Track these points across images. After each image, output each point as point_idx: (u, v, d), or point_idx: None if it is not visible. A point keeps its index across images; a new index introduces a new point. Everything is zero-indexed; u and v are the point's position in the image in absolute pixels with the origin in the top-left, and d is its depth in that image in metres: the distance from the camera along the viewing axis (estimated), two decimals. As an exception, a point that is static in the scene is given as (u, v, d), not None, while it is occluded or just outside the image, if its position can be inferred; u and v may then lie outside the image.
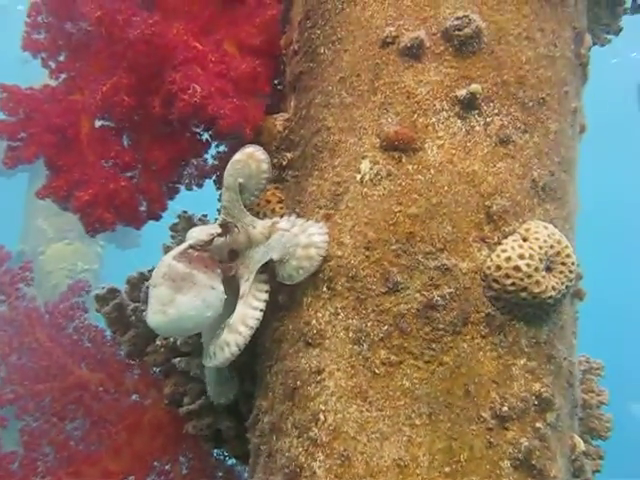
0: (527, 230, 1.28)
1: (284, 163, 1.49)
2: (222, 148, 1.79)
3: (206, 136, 1.67)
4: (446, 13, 1.35)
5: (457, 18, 1.33)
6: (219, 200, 1.73)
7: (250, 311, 1.35)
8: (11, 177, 8.60)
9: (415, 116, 1.33)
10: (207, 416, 1.62)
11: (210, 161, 1.82)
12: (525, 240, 1.27)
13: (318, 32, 1.47)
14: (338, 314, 1.31)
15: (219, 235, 1.40)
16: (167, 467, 1.76)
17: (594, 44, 1.74)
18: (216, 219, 1.52)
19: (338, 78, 1.41)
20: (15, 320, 1.85)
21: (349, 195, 1.35)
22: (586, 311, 1.59)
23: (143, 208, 1.56)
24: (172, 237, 1.89)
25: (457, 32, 1.32)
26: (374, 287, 1.29)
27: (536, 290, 1.24)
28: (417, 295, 1.27)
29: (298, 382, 1.33)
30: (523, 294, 1.24)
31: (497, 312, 1.27)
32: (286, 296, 1.39)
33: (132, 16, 1.44)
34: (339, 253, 1.33)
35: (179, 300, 1.27)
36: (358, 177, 1.34)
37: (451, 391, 1.24)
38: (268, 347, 1.44)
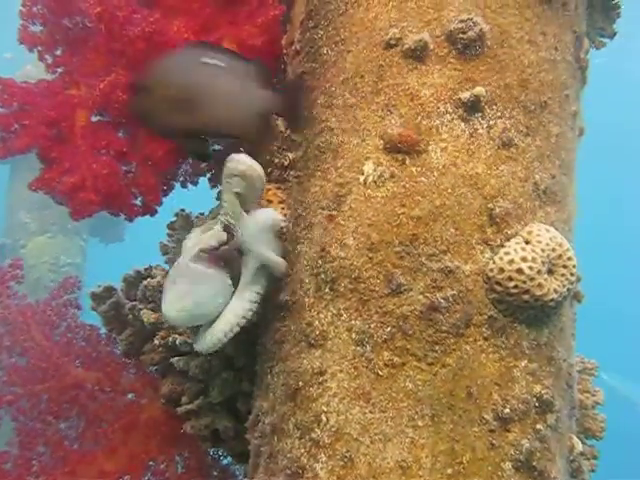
0: (529, 233, 1.29)
1: (286, 163, 1.49)
2: (217, 147, 1.78)
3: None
4: (450, 16, 1.35)
5: (461, 21, 1.33)
6: (217, 199, 1.73)
7: (240, 303, 1.40)
8: (-9, 171, 8.51)
9: (419, 118, 1.33)
10: (205, 416, 1.62)
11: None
12: (527, 243, 1.28)
13: (321, 33, 1.47)
14: (341, 315, 1.31)
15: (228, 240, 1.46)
16: (163, 466, 1.75)
17: (589, 47, 1.75)
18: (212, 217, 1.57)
19: (341, 79, 1.41)
20: (7, 318, 1.83)
21: (352, 196, 1.35)
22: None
23: (138, 202, 1.55)
24: (169, 235, 1.88)
25: (461, 35, 1.33)
26: (377, 289, 1.29)
27: (538, 293, 1.25)
28: (420, 297, 1.27)
29: (300, 383, 1.33)
30: (525, 297, 1.25)
31: (499, 314, 1.28)
32: (288, 296, 1.39)
33: (132, 13, 1.43)
34: (342, 254, 1.33)
35: (195, 291, 1.38)
36: (361, 179, 1.34)
37: (454, 393, 1.25)
38: (269, 348, 1.44)
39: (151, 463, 1.74)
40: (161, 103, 1.37)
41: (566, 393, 1.36)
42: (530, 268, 1.25)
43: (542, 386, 1.29)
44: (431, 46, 1.34)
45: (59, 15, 1.52)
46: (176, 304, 1.38)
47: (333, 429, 1.26)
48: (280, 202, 1.48)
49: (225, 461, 1.86)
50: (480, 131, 1.33)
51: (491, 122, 1.33)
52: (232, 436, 1.63)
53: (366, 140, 1.36)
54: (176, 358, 1.62)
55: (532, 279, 1.25)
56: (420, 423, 1.23)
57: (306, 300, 1.36)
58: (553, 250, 1.28)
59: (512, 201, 1.31)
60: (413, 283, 1.28)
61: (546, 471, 1.25)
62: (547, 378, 1.31)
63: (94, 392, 1.78)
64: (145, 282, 1.69)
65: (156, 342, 1.66)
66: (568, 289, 1.30)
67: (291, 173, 1.48)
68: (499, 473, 1.22)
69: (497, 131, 1.33)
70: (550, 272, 1.29)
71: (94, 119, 1.55)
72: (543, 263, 1.26)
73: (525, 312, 1.28)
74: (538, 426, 1.27)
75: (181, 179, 1.79)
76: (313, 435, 1.28)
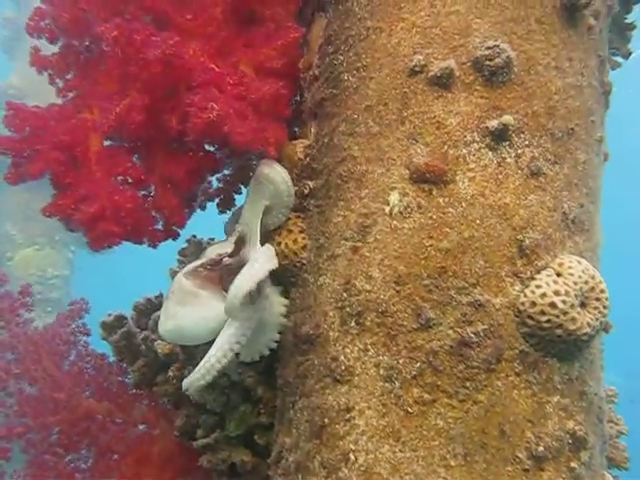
0: (560, 265, 1.26)
1: (306, 192, 1.45)
2: (227, 171, 1.75)
3: (221, 154, 1.62)
4: (476, 42, 1.32)
5: (488, 47, 1.30)
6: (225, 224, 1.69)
7: (222, 341, 1.38)
8: (-23, 184, 8.41)
9: (445, 147, 1.30)
10: (222, 450, 1.57)
11: (215, 184, 1.78)
12: (559, 275, 1.25)
13: (341, 58, 1.44)
14: (368, 350, 1.28)
15: (232, 253, 1.49)
16: (177, 500, 1.71)
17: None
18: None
19: (364, 106, 1.38)
20: (16, 347, 1.78)
21: (377, 227, 1.31)
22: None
23: (160, 226, 1.51)
24: (179, 262, 1.84)
25: (488, 62, 1.30)
26: (405, 323, 1.26)
27: (572, 327, 1.22)
28: (450, 332, 1.24)
29: (326, 420, 1.29)
30: (558, 331, 1.22)
31: (531, 349, 1.25)
32: (311, 329, 1.36)
33: (150, 36, 1.39)
34: (368, 287, 1.30)
35: (180, 314, 1.39)
36: (387, 209, 1.31)
37: (486, 431, 1.21)
38: (291, 382, 1.40)
39: (165, 496, 1.70)
40: None
41: (597, 428, 1.33)
42: (563, 302, 1.22)
43: (575, 422, 1.26)
44: (457, 73, 1.31)
45: (72, 36, 1.49)
46: (165, 323, 1.41)
47: (362, 468, 1.22)
48: (301, 231, 1.44)
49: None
50: (508, 160, 1.30)
51: (519, 151, 1.30)
52: (249, 470, 1.59)
53: (391, 169, 1.32)
54: (192, 390, 1.58)
55: (565, 313, 1.22)
56: (452, 462, 1.20)
57: (331, 334, 1.33)
58: (586, 283, 1.25)
59: (541, 232, 1.28)
60: (443, 317, 1.24)
61: (581, 511, 1.22)
62: (579, 413, 1.28)
63: (105, 423, 1.73)
64: (159, 313, 1.64)
65: (170, 374, 1.62)
66: (601, 322, 1.27)
67: (312, 202, 1.45)
68: (534, 514, 1.19)
69: (525, 160, 1.30)
70: (583, 305, 1.26)
71: (107, 143, 1.52)
72: (576, 296, 1.23)
73: (557, 346, 1.25)
74: (572, 464, 1.23)
75: (201, 199, 1.74)
76: (340, 474, 1.24)
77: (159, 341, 1.64)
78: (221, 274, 1.48)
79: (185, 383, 1.41)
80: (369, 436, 1.24)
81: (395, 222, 1.30)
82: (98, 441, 1.70)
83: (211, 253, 1.52)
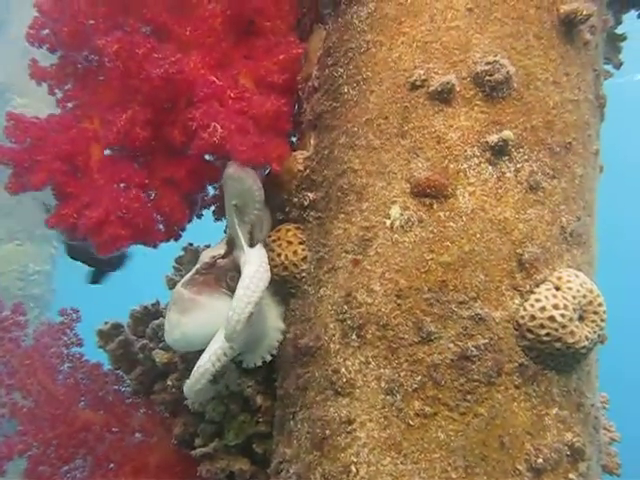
0: (559, 278, 1.28)
1: (305, 203, 1.46)
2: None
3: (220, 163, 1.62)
4: (476, 57, 1.33)
5: (488, 63, 1.31)
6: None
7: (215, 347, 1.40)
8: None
9: (446, 162, 1.31)
10: (221, 459, 1.58)
11: (211, 192, 1.78)
12: (558, 289, 1.27)
13: (341, 70, 1.45)
14: (369, 363, 1.29)
15: (225, 254, 1.51)
16: (175, 508, 1.71)
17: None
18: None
19: (364, 120, 1.39)
20: (10, 362, 1.77)
21: (378, 241, 1.32)
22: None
23: (161, 227, 1.51)
24: (175, 269, 1.84)
25: (488, 77, 1.31)
26: (406, 336, 1.27)
27: (570, 340, 1.24)
28: (451, 345, 1.25)
29: (327, 432, 1.30)
30: (557, 344, 1.24)
31: (530, 362, 1.26)
32: (311, 341, 1.36)
33: (151, 51, 1.39)
34: (369, 300, 1.31)
35: (183, 322, 1.42)
36: (388, 222, 1.32)
37: (487, 443, 1.23)
38: (292, 393, 1.41)
39: (163, 505, 1.70)
40: None
41: (594, 438, 1.35)
42: (562, 316, 1.24)
43: (573, 433, 1.28)
44: (457, 88, 1.33)
45: (72, 49, 1.48)
46: (171, 334, 1.44)
47: (363, 481, 1.24)
48: (300, 243, 1.45)
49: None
50: (508, 175, 1.31)
51: (518, 165, 1.32)
52: (248, 478, 1.60)
53: (392, 183, 1.33)
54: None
55: (564, 327, 1.23)
56: (453, 475, 1.21)
57: (331, 346, 1.34)
58: (584, 296, 1.27)
59: (540, 246, 1.30)
60: (443, 331, 1.26)
61: (579, 521, 1.24)
62: (577, 425, 1.30)
63: (102, 433, 1.73)
64: (157, 322, 1.65)
65: (169, 383, 1.62)
66: (599, 335, 1.29)
67: (311, 214, 1.45)
68: (534, 525, 1.21)
69: (524, 174, 1.32)
70: (581, 318, 1.27)
71: (107, 151, 1.51)
72: (574, 310, 1.25)
73: (556, 359, 1.26)
74: (571, 475, 1.25)
75: (201, 204, 1.74)
76: (342, 486, 1.25)
77: (157, 350, 1.64)
78: (217, 276, 1.50)
79: (184, 389, 1.46)
80: (370, 448, 1.25)
81: (396, 236, 1.31)
82: (95, 451, 1.70)
83: (205, 257, 1.53)
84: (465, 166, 1.31)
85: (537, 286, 1.28)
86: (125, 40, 1.37)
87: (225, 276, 1.48)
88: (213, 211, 1.83)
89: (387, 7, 1.40)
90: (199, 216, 1.82)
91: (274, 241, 1.46)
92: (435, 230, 1.29)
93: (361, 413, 1.27)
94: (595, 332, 1.28)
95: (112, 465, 1.69)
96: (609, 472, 1.69)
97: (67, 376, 1.76)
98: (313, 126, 1.50)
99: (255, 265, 1.40)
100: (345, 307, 1.33)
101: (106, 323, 1.77)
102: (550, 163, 1.35)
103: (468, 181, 1.30)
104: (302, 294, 1.44)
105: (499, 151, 1.31)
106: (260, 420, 1.57)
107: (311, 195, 1.46)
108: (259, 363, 1.51)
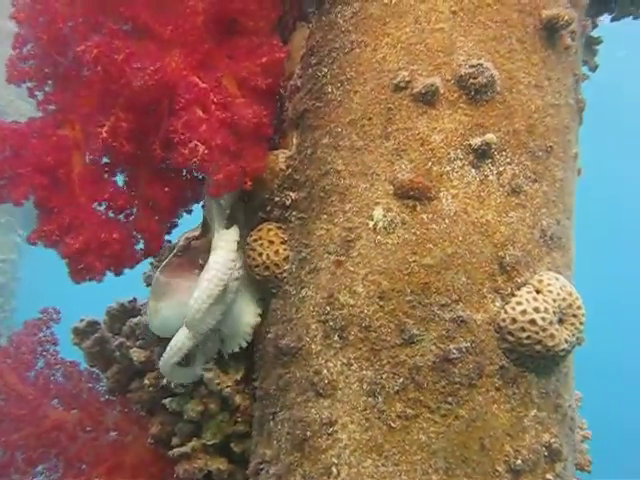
0: (540, 282, 1.29)
1: (287, 202, 1.45)
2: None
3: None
4: (460, 60, 1.34)
5: (472, 66, 1.32)
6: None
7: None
8: None
9: (429, 164, 1.31)
10: (198, 458, 1.57)
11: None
12: (538, 292, 1.28)
13: (325, 70, 1.44)
14: (351, 365, 1.29)
15: (199, 236, 1.54)
16: (151, 509, 1.70)
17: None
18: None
19: (348, 120, 1.38)
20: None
21: (361, 242, 1.32)
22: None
23: (139, 246, 1.50)
24: (153, 266, 1.82)
25: (472, 80, 1.32)
26: (389, 338, 1.27)
27: (550, 343, 1.25)
28: (433, 347, 1.26)
29: (308, 433, 1.30)
30: (538, 347, 1.25)
31: (510, 364, 1.28)
32: (292, 342, 1.36)
33: (131, 56, 1.35)
34: (351, 302, 1.31)
35: (160, 308, 1.46)
36: (371, 224, 1.32)
37: (467, 445, 1.24)
38: (272, 393, 1.41)
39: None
40: None
41: (569, 438, 1.37)
42: (543, 319, 1.25)
43: (550, 434, 1.29)
44: (441, 90, 1.33)
45: (54, 55, 1.44)
46: (153, 322, 1.48)
47: (345, 482, 1.24)
48: (282, 242, 1.44)
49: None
50: (490, 178, 1.32)
51: (501, 168, 1.33)
52: (225, 478, 1.59)
53: (375, 185, 1.33)
54: (168, 399, 1.57)
55: (544, 330, 1.25)
56: (434, 477, 1.22)
57: (313, 347, 1.34)
58: (564, 300, 1.28)
59: (521, 249, 1.31)
60: (425, 333, 1.26)
61: (555, 521, 1.26)
62: (554, 426, 1.31)
63: (75, 432, 1.70)
64: (135, 320, 1.63)
65: (146, 382, 1.60)
66: (578, 338, 1.30)
67: (294, 213, 1.45)
68: (512, 526, 1.22)
69: (507, 178, 1.33)
70: (560, 321, 1.29)
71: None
72: (554, 313, 1.26)
73: (536, 362, 1.28)
74: (548, 476, 1.27)
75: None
76: (323, 488, 1.25)
77: (135, 348, 1.62)
78: (190, 258, 1.52)
79: (160, 366, 1.50)
80: (352, 450, 1.25)
81: (379, 237, 1.31)
82: (67, 451, 1.67)
83: (181, 239, 1.55)
84: (448, 169, 1.31)
85: (518, 289, 1.29)
86: (104, 45, 1.33)
87: (198, 258, 1.50)
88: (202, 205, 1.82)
89: (372, 7, 1.39)
90: (189, 212, 1.80)
91: (255, 240, 1.45)
92: (418, 232, 1.30)
93: (343, 415, 1.27)
94: (574, 335, 1.30)
95: (85, 465, 1.66)
96: (581, 469, 1.72)
97: (38, 374, 1.72)
98: (295, 125, 1.49)
99: (222, 253, 1.43)
100: (327, 308, 1.33)
101: (82, 320, 1.74)
102: (531, 167, 1.36)
103: (451, 184, 1.31)
104: (283, 294, 1.43)
105: (482, 154, 1.31)
106: (239, 420, 1.56)
107: (293, 195, 1.45)
108: (236, 349, 1.53)
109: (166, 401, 1.57)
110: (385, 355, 1.27)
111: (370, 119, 1.36)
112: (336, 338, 1.31)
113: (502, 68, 1.35)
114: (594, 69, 1.99)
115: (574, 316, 1.30)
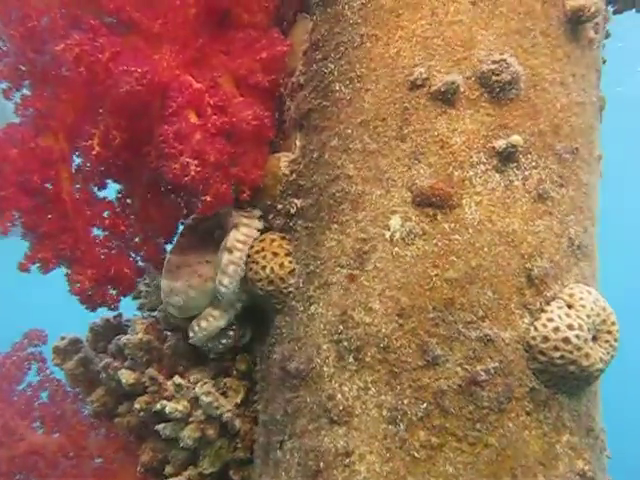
0: (571, 296, 1.19)
1: (292, 210, 1.33)
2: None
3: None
4: (481, 55, 1.23)
5: (494, 62, 1.21)
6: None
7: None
8: None
9: (450, 168, 1.20)
10: (196, 489, 1.44)
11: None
12: (570, 307, 1.18)
13: (331, 66, 1.32)
14: (369, 389, 1.18)
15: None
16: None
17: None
18: None
19: (359, 121, 1.27)
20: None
21: (377, 254, 1.21)
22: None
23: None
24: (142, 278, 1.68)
25: (495, 77, 1.21)
26: (410, 360, 1.16)
27: (585, 363, 1.15)
28: (458, 369, 1.15)
29: (322, 464, 1.19)
30: (571, 367, 1.15)
31: (541, 386, 1.17)
32: (302, 364, 1.24)
33: (117, 55, 1.22)
34: (367, 320, 1.19)
35: (176, 287, 1.39)
36: (387, 234, 1.21)
37: (498, 476, 1.13)
38: (279, 419, 1.29)
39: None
40: None
41: (601, 462, 1.28)
42: (577, 337, 1.15)
43: (584, 461, 1.20)
44: (462, 88, 1.22)
45: (29, 55, 1.29)
46: (170, 301, 1.42)
47: (364, 519, 1.13)
48: (287, 254, 1.32)
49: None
50: (516, 183, 1.22)
51: (526, 173, 1.22)
52: (223, 509, 1.47)
53: (391, 191, 1.22)
54: (162, 425, 1.44)
55: (579, 349, 1.15)
56: (463, 512, 1.11)
57: (325, 369, 1.22)
58: (598, 315, 1.19)
59: (550, 260, 1.21)
60: (450, 354, 1.15)
61: None
62: (587, 451, 1.22)
63: (56, 458, 1.57)
64: (124, 339, 1.49)
65: (137, 406, 1.47)
66: (612, 356, 1.21)
67: (299, 222, 1.33)
68: None
69: (533, 183, 1.22)
70: (594, 338, 1.19)
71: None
72: (589, 330, 1.17)
73: (568, 382, 1.18)
74: (583, 507, 1.17)
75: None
76: (340, 525, 1.14)
77: (123, 370, 1.49)
78: (201, 236, 1.45)
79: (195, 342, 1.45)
80: (371, 483, 1.14)
81: (397, 249, 1.20)
82: (46, 478, 1.54)
83: (188, 220, 1.49)
84: (471, 173, 1.20)
85: (548, 304, 1.19)
86: (86, 43, 1.19)
87: (209, 235, 1.44)
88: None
89: (383, -2, 1.28)
90: None
91: (257, 252, 1.33)
92: (440, 243, 1.19)
93: (360, 444, 1.16)
94: (609, 353, 1.20)
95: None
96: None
97: (19, 394, 1.59)
98: (299, 126, 1.37)
99: (245, 230, 1.37)
100: (340, 327, 1.22)
101: (63, 338, 1.60)
102: (558, 170, 1.26)
103: (474, 190, 1.20)
104: (289, 311, 1.32)
105: (507, 157, 1.21)
106: (238, 445, 1.44)
107: (298, 202, 1.33)
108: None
109: (159, 427, 1.44)
110: (406, 378, 1.16)
111: (384, 120, 1.25)
112: (351, 360, 1.20)
113: (526, 64, 1.25)
114: (603, 62, 1.91)
115: (609, 332, 1.20)
